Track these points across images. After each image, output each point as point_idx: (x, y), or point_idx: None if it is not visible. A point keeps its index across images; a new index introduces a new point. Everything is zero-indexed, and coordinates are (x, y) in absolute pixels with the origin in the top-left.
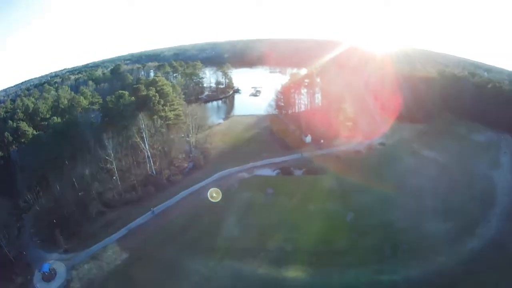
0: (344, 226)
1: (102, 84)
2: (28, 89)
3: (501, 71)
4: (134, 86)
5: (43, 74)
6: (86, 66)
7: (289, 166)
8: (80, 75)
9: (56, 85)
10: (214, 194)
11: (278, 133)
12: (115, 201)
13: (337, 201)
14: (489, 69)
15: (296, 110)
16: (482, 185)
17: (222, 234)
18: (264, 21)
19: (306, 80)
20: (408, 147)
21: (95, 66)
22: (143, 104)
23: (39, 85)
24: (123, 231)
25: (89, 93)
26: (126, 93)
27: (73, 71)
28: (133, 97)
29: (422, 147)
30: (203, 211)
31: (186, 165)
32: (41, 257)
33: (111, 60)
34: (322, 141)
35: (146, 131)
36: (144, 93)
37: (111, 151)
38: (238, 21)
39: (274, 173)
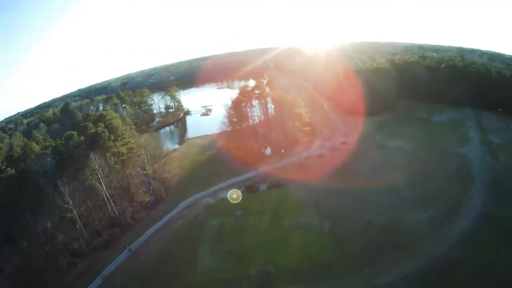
0: (323, 236)
1: (54, 125)
2: None
3: (449, 49)
4: (81, 124)
5: None
6: (38, 107)
7: (253, 183)
8: (32, 118)
9: (10, 131)
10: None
11: (235, 150)
12: (83, 250)
13: (310, 211)
14: (437, 50)
15: (251, 123)
16: (456, 164)
17: (199, 267)
18: (204, 38)
19: (256, 91)
20: (372, 141)
21: (46, 106)
22: (93, 142)
23: None
24: (97, 281)
25: (40, 137)
26: (75, 133)
27: (25, 114)
28: (82, 137)
29: (386, 138)
30: (173, 246)
31: (147, 199)
32: None
33: (61, 98)
34: (282, 151)
35: (100, 171)
36: (93, 130)
37: (68, 198)
38: (179, 42)
39: (239, 193)
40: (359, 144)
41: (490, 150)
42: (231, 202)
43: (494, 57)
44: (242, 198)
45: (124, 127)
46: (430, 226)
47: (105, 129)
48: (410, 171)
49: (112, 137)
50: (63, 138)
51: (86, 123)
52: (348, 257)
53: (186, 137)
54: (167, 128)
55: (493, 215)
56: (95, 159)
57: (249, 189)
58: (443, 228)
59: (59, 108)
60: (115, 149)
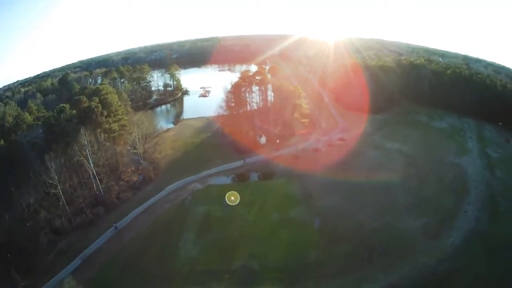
0: (312, 233)
1: (50, 96)
2: None
3: (455, 56)
4: (76, 97)
5: None
6: (37, 76)
7: (245, 172)
8: (29, 87)
9: (7, 99)
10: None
11: (230, 135)
12: (65, 228)
13: (301, 206)
14: (443, 55)
15: (248, 109)
16: (453, 174)
17: (181, 255)
18: (211, 19)
19: (257, 77)
20: (370, 140)
21: (46, 76)
22: (85, 117)
23: None
24: (77, 261)
25: (34, 108)
26: (67, 106)
27: (24, 83)
28: (74, 110)
29: (385, 139)
30: (158, 231)
31: (135, 178)
32: None
33: (61, 69)
34: (278, 141)
35: (89, 147)
36: (86, 104)
37: (54, 174)
38: (185, 20)
39: (229, 181)
40: (357, 142)
41: (488, 164)
42: (220, 189)
43: (499, 69)
44: (232, 187)
45: (119, 103)
46: (423, 235)
47: (99, 104)
48: (406, 176)
49: (105, 113)
50: (55, 111)
51: (80, 96)
52: (336, 259)
53: (182, 118)
54: (163, 107)
55: (486, 232)
56: (85, 134)
57: (240, 177)
58: (435, 239)
59: (58, 78)
60: (107, 125)
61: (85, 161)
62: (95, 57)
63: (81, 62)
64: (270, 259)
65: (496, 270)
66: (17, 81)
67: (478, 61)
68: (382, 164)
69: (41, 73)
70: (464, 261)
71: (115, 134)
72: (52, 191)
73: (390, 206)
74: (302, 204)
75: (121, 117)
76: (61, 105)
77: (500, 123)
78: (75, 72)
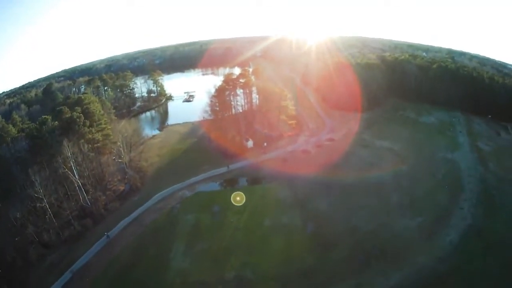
0: (306, 239)
1: (35, 106)
2: None
3: (439, 50)
4: (58, 108)
5: None
6: (22, 87)
7: (234, 177)
8: (14, 98)
9: None
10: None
11: (216, 140)
12: (54, 241)
13: (293, 211)
14: (427, 49)
15: (234, 113)
16: (446, 170)
17: (172, 266)
18: (192, 23)
19: (241, 80)
20: (359, 140)
21: (30, 86)
22: (68, 128)
23: None
24: (67, 275)
25: (18, 119)
26: (49, 117)
27: (10, 93)
28: (56, 122)
29: (374, 137)
30: (147, 242)
31: (122, 188)
32: None
33: (46, 78)
34: (265, 144)
35: (73, 159)
36: (68, 115)
37: (39, 187)
38: (167, 25)
39: (218, 186)
40: (346, 141)
41: (480, 158)
42: (208, 196)
43: (484, 61)
44: (221, 193)
45: (102, 113)
46: (419, 235)
47: (81, 114)
48: (398, 174)
49: (88, 123)
50: (37, 122)
51: (62, 107)
52: (332, 264)
53: (167, 124)
54: (147, 113)
55: (483, 228)
56: (68, 146)
57: (229, 183)
58: (432, 238)
59: (42, 88)
60: (90, 136)
61: (69, 173)
62: (79, 66)
63: (65, 71)
64: (264, 267)
65: (494, 267)
66: (3, 92)
67: (462, 54)
68: (373, 163)
69: (26, 84)
70: (463, 259)
71: (99, 144)
72: (38, 204)
73: (384, 207)
74: (293, 208)
75: (104, 126)
76: (43, 116)
77: (489, 116)
78: (59, 82)
